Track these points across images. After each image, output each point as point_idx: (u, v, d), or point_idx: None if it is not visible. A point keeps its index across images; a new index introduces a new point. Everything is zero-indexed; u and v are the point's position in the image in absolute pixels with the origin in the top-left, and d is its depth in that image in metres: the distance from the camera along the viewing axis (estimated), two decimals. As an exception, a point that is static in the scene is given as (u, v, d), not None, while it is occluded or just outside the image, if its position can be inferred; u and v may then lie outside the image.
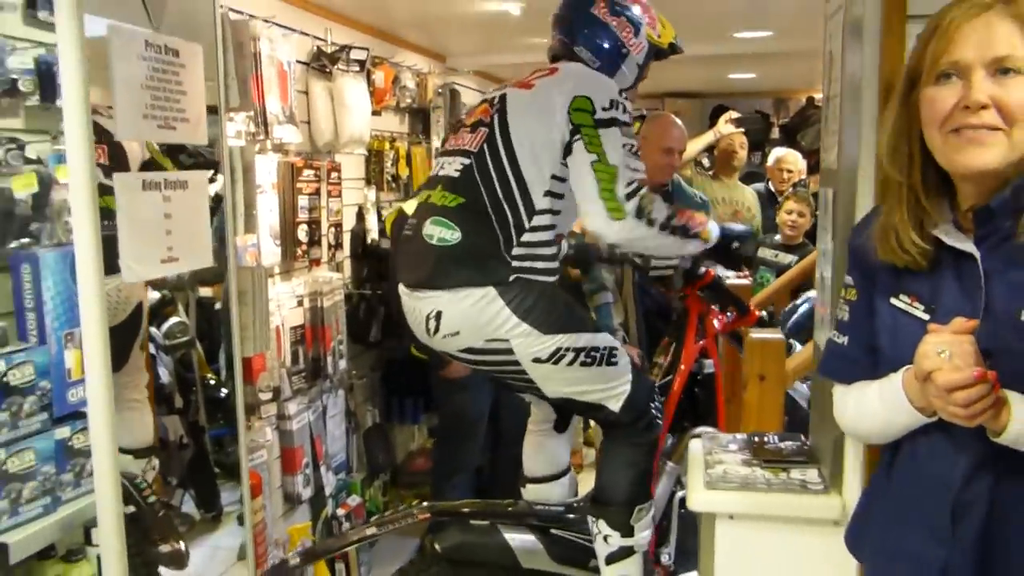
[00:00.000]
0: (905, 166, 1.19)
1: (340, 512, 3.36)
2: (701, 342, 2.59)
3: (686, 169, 4.61)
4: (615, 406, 2.16)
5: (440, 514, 2.39)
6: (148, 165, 2.25)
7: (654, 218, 2.05)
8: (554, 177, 2.07)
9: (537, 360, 2.07)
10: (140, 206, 1.82)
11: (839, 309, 1.33)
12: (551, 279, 2.12)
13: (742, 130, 4.85)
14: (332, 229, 3.45)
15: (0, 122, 1.98)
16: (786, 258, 4.01)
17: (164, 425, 2.81)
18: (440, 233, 2.07)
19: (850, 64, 1.65)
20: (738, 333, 2.64)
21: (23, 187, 1.97)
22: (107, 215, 1.71)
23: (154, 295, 2.69)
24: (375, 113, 3.81)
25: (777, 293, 3.58)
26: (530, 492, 2.49)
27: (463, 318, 2.06)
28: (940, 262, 1.17)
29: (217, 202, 2.23)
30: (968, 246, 1.14)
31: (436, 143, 4.64)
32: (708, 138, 4.74)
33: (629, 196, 2.02)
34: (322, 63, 3.39)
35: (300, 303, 3.17)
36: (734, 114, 4.84)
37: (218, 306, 2.99)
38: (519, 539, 2.30)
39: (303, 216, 3.20)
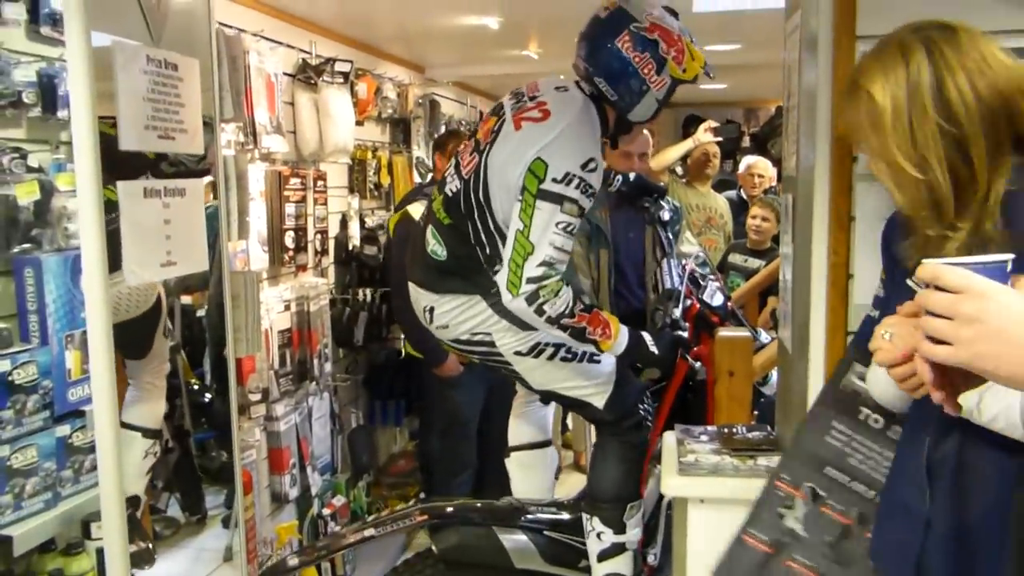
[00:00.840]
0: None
1: (326, 512, 3.44)
2: (695, 348, 2.63)
3: (662, 176, 4.74)
4: (599, 403, 2.25)
5: (438, 516, 2.46)
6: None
7: (544, 310, 2.03)
8: None
9: (519, 353, 2.19)
10: (142, 212, 1.90)
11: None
12: None
13: (719, 139, 4.99)
14: (318, 236, 3.55)
15: (4, 132, 2.05)
16: (754, 263, 4.15)
17: (150, 429, 2.87)
18: (433, 246, 2.21)
19: (806, 79, 1.78)
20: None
21: (26, 194, 2.04)
22: (110, 208, 1.79)
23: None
24: (358, 123, 3.91)
25: (745, 296, 3.71)
26: (513, 461, 2.60)
27: (450, 316, 2.22)
28: None
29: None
30: None
31: (417, 152, 4.74)
32: (687, 146, 4.86)
33: (531, 280, 2.02)
34: (308, 75, 3.48)
35: (287, 307, 3.26)
36: (712, 123, 4.98)
37: (200, 313, 3.06)
38: (513, 540, 2.39)
39: (290, 223, 3.29)
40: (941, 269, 0.87)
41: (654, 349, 2.26)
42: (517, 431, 2.64)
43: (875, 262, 1.67)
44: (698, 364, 2.65)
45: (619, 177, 2.83)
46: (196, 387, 3.12)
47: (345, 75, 3.70)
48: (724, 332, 2.38)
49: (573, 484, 4.10)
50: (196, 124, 2.08)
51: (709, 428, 2.13)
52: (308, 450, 3.36)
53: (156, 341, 2.42)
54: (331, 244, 3.77)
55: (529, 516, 2.46)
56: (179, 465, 3.01)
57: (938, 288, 0.87)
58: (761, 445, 1.98)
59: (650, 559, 2.49)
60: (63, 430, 2.01)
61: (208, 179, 2.29)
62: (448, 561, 2.41)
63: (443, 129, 5.14)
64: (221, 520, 3.01)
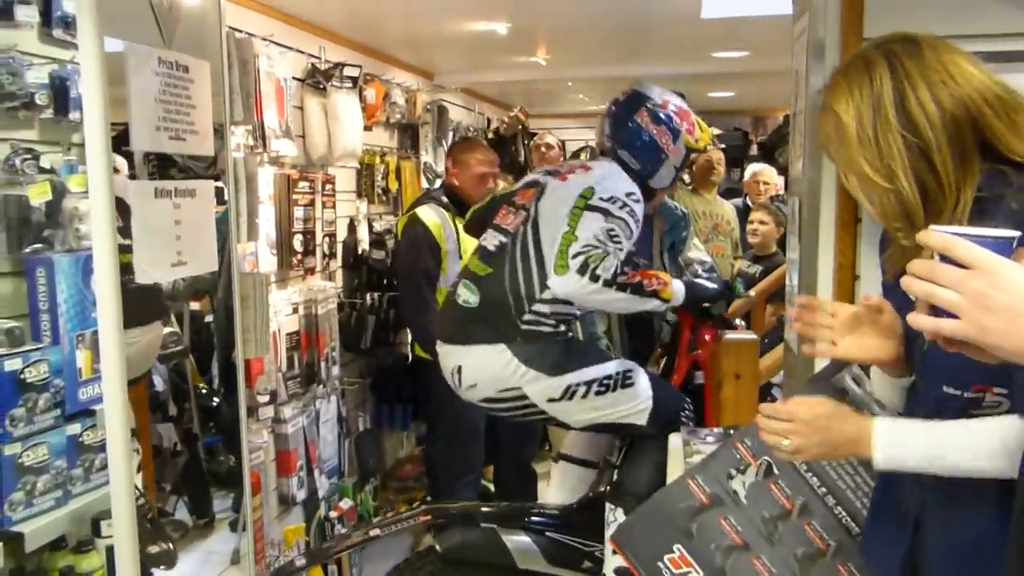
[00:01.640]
0: None
1: (333, 515, 3.45)
2: (694, 353, 2.67)
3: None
4: (641, 421, 2.34)
5: (442, 516, 2.50)
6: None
7: (598, 274, 2.14)
8: None
9: (552, 400, 2.29)
10: (153, 212, 1.92)
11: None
12: (566, 320, 2.33)
13: (722, 146, 5.00)
14: (326, 239, 3.57)
15: (17, 134, 2.08)
16: (754, 268, 4.17)
17: (159, 433, 2.89)
18: (466, 295, 2.36)
19: (813, 81, 1.79)
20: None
21: (38, 195, 2.07)
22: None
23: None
24: (366, 128, 3.93)
25: (753, 302, 3.71)
26: (559, 468, 2.67)
27: (478, 371, 2.33)
28: None
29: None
30: None
31: (424, 158, 4.76)
32: None
33: (577, 255, 2.16)
34: (317, 79, 3.51)
35: (295, 310, 3.27)
36: (715, 131, 4.99)
37: (209, 319, 3.09)
38: (516, 541, 2.42)
39: (298, 226, 3.31)
40: (953, 241, 0.87)
41: (711, 284, 2.41)
42: (575, 442, 2.70)
43: (881, 263, 1.69)
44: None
45: None
46: (204, 391, 3.14)
47: (354, 80, 3.72)
48: (730, 335, 2.39)
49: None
50: (207, 126, 2.10)
51: (715, 430, 2.14)
52: (316, 453, 3.37)
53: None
54: (339, 248, 3.79)
55: (532, 517, 2.49)
56: (187, 469, 3.03)
57: (945, 259, 0.87)
58: (767, 447, 1.98)
59: None
60: (74, 429, 2.03)
61: (218, 184, 2.32)
62: (450, 560, 2.43)
63: (451, 135, 5.17)
64: (229, 523, 3.03)
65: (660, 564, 1.58)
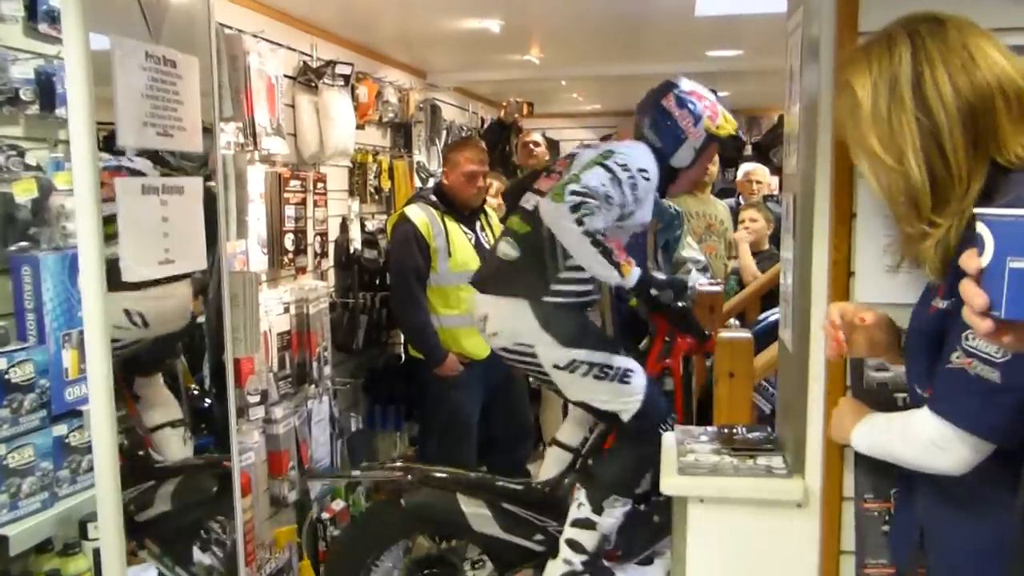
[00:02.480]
0: None
1: (325, 516, 3.43)
2: (666, 361, 2.79)
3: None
4: (625, 416, 2.52)
5: (413, 476, 2.74)
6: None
7: (584, 222, 2.30)
8: None
9: (556, 367, 2.48)
10: (139, 210, 1.89)
11: None
12: (581, 301, 2.54)
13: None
14: (318, 238, 3.54)
15: (2, 130, 2.05)
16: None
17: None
18: (506, 249, 2.58)
19: (808, 76, 1.78)
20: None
21: (23, 192, 2.04)
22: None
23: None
24: (359, 127, 3.90)
25: (746, 300, 3.70)
26: (552, 452, 2.82)
27: (501, 321, 2.54)
28: None
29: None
30: None
31: (417, 157, 4.74)
32: None
33: (575, 193, 2.31)
34: (308, 77, 3.49)
35: (287, 309, 3.25)
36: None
37: (200, 319, 3.06)
38: (472, 506, 2.67)
39: (290, 225, 3.28)
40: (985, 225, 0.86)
41: (662, 276, 2.60)
42: (569, 430, 2.84)
43: (878, 259, 1.67)
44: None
45: None
46: (196, 392, 3.12)
47: (346, 78, 3.70)
48: (725, 333, 2.37)
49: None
50: (195, 122, 2.07)
51: (709, 428, 2.12)
52: (308, 453, 3.35)
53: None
54: (331, 247, 3.76)
55: (493, 488, 2.73)
56: (178, 470, 3.02)
57: (980, 245, 0.86)
58: (761, 445, 1.97)
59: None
60: (60, 430, 2.00)
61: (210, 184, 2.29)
62: (411, 514, 2.69)
63: (444, 135, 5.15)
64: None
65: None
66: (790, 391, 1.93)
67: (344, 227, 3.91)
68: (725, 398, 2.28)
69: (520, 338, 2.51)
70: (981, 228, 0.87)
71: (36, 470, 1.92)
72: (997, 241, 0.86)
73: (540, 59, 4.74)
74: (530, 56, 4.67)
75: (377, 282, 3.84)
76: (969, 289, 0.89)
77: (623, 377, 2.49)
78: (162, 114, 1.95)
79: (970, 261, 0.88)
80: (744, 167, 5.39)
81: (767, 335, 2.73)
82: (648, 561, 3.40)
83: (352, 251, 3.90)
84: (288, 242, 3.28)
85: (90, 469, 2.00)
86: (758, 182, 5.08)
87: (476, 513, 2.67)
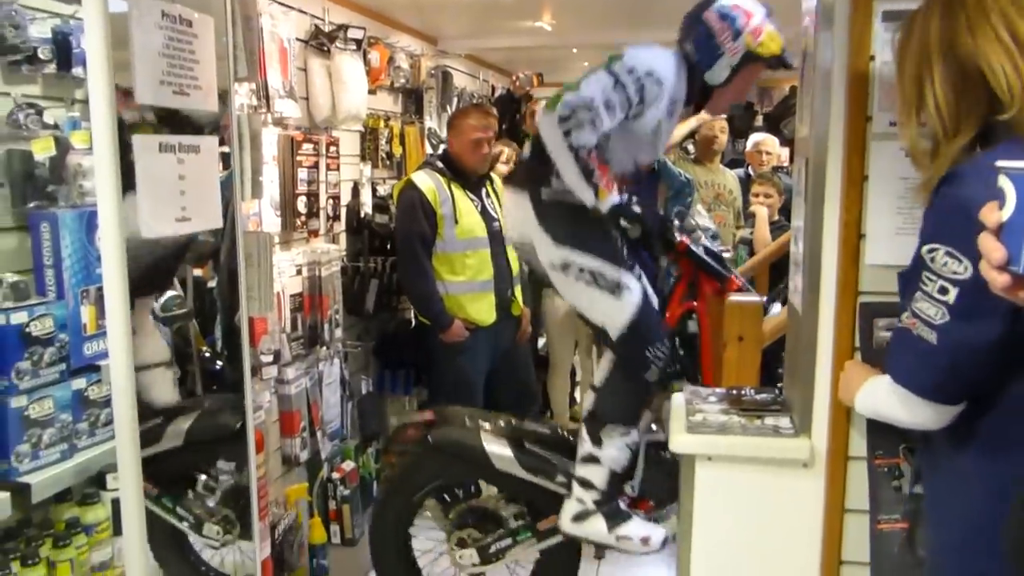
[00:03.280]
0: None
1: (335, 476, 3.48)
2: (691, 303, 2.74)
3: (670, 154, 4.74)
4: (613, 334, 2.42)
5: (443, 418, 2.82)
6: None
7: (571, 134, 2.24)
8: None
9: (552, 266, 2.44)
10: (157, 167, 1.92)
11: None
12: (579, 201, 2.40)
13: (724, 116, 4.97)
14: (330, 202, 3.56)
15: (21, 88, 2.07)
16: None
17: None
18: (526, 151, 2.55)
19: (822, 35, 1.78)
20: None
21: (42, 150, 2.06)
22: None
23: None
24: (371, 92, 3.90)
25: (755, 268, 3.72)
26: (586, 400, 2.74)
27: (511, 214, 2.56)
28: None
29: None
30: None
31: (429, 123, 4.74)
32: (691, 124, 4.86)
33: (567, 104, 2.24)
34: (320, 41, 3.48)
35: (299, 272, 3.27)
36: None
37: (211, 284, 3.09)
38: (496, 445, 2.69)
39: (302, 188, 3.30)
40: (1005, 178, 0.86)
41: (636, 209, 2.48)
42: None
43: (888, 222, 1.68)
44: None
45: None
46: (208, 354, 3.16)
47: (358, 42, 3.70)
48: (734, 297, 2.39)
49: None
50: (210, 82, 2.08)
51: (717, 390, 2.15)
52: (319, 415, 3.39)
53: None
54: (343, 211, 3.78)
55: (518, 430, 2.75)
56: (190, 431, 3.06)
57: (1001, 195, 0.87)
58: (769, 406, 2.00)
59: (628, 490, 2.70)
60: (79, 383, 2.03)
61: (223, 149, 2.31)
62: (436, 450, 2.73)
63: (455, 102, 5.14)
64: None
65: None
66: (798, 353, 1.95)
67: (356, 192, 3.93)
68: (734, 361, 2.30)
69: (524, 234, 2.50)
70: (1003, 181, 0.85)
71: (56, 422, 1.96)
72: (1020, 195, 0.85)
73: (552, 26, 4.72)
74: (541, 23, 4.65)
75: (388, 247, 3.86)
76: (988, 243, 0.88)
77: (614, 289, 2.40)
78: (178, 73, 1.97)
79: (990, 215, 0.88)
80: (753, 137, 5.38)
81: None
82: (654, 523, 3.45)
83: (363, 216, 3.91)
84: (301, 205, 3.30)
85: (108, 423, 2.04)
86: (767, 153, 5.07)
87: (499, 453, 2.68)
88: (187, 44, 2.00)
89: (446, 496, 2.87)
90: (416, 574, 2.96)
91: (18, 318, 1.88)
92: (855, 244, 1.71)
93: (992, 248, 0.88)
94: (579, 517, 2.57)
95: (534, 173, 2.46)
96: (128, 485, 1.83)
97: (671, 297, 2.74)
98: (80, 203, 2.15)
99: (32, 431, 1.90)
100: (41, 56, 2.07)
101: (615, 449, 2.54)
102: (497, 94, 6.25)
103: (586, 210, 2.42)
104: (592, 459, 2.54)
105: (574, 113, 2.22)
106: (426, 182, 3.58)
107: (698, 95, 2.55)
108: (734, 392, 2.08)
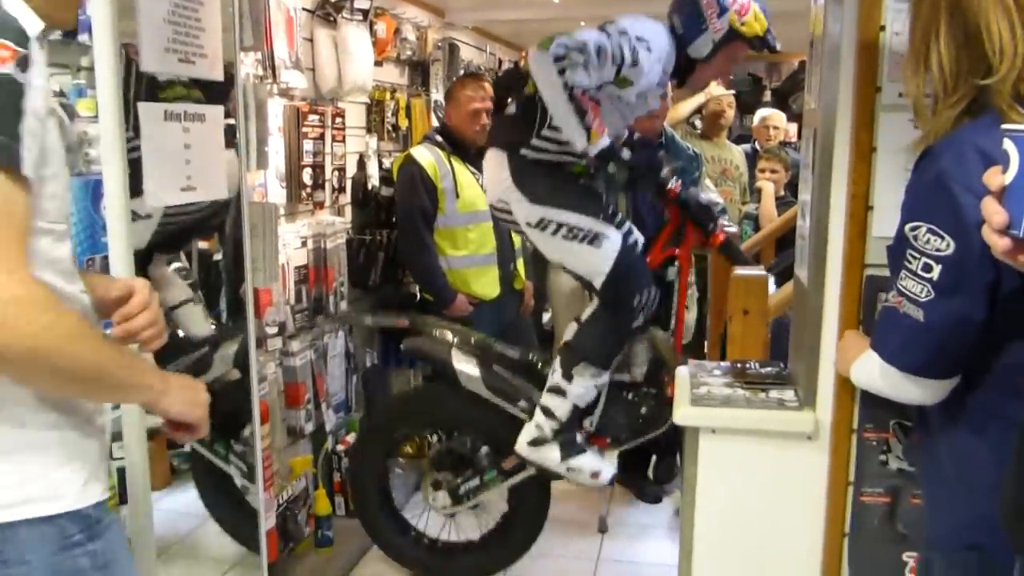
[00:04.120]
0: None
1: (340, 448, 3.50)
2: (673, 250, 2.75)
3: (677, 129, 4.72)
4: (596, 283, 2.51)
5: (416, 326, 2.99)
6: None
7: (565, 71, 2.25)
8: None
9: (529, 224, 2.51)
10: (162, 135, 1.91)
11: None
12: (557, 161, 2.49)
13: (732, 92, 4.94)
14: (335, 174, 3.55)
15: (26, 55, 2.06)
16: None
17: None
18: (511, 108, 2.59)
19: (832, 7, 1.76)
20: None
21: (47, 118, 2.06)
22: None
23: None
24: (377, 63, 3.87)
25: (760, 244, 3.71)
26: (568, 331, 2.77)
27: (488, 174, 2.60)
28: None
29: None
30: None
31: (435, 96, 4.71)
32: (699, 99, 4.83)
33: (562, 44, 2.24)
34: (327, 11, 3.45)
35: (304, 244, 3.27)
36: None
37: (217, 257, 3.09)
38: (464, 364, 2.78)
39: (308, 160, 3.29)
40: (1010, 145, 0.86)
41: (626, 154, 2.47)
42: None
43: (896, 194, 1.66)
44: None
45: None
46: (213, 326, 3.17)
47: (364, 13, 3.67)
48: (740, 271, 2.38)
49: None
50: (216, 50, 2.08)
51: (722, 363, 2.15)
52: (323, 387, 3.40)
53: None
54: (348, 183, 3.77)
55: (488, 350, 2.82)
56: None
57: (1005, 161, 0.87)
58: (774, 379, 2.00)
59: (586, 424, 2.77)
60: (85, 351, 2.04)
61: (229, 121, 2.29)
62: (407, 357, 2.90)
63: (462, 75, 5.10)
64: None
65: None
66: (804, 326, 1.95)
67: (361, 164, 3.91)
68: (739, 334, 2.30)
69: (499, 195, 2.55)
70: (1007, 144, 0.85)
71: (63, 391, 1.97)
72: (1023, 159, 0.85)
73: (560, -1, 4.68)
74: (549, -5, 4.61)
75: (394, 220, 3.85)
76: (990, 206, 0.88)
77: (592, 240, 2.45)
78: (184, 40, 1.96)
79: (993, 178, 0.88)
80: (760, 112, 5.35)
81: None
82: (657, 499, 3.47)
83: (369, 188, 3.90)
84: (306, 177, 3.29)
85: (114, 391, 2.05)
86: (775, 128, 5.04)
87: (466, 372, 2.75)
88: (193, 12, 1.99)
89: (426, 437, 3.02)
90: (394, 510, 3.12)
91: (24, 286, 1.89)
92: (863, 217, 1.70)
93: (994, 211, 0.88)
94: (536, 442, 2.65)
95: (516, 131, 2.50)
96: (134, 453, 1.85)
97: (655, 241, 2.74)
98: (86, 171, 2.15)
99: (40, 400, 1.91)
100: (45, 23, 2.05)
101: (583, 388, 2.60)
102: (504, 68, 6.20)
103: (562, 168, 2.50)
104: (559, 391, 2.60)
105: (568, 53, 2.23)
106: (426, 156, 3.56)
107: (682, 69, 2.60)
108: (739, 365, 2.09)
